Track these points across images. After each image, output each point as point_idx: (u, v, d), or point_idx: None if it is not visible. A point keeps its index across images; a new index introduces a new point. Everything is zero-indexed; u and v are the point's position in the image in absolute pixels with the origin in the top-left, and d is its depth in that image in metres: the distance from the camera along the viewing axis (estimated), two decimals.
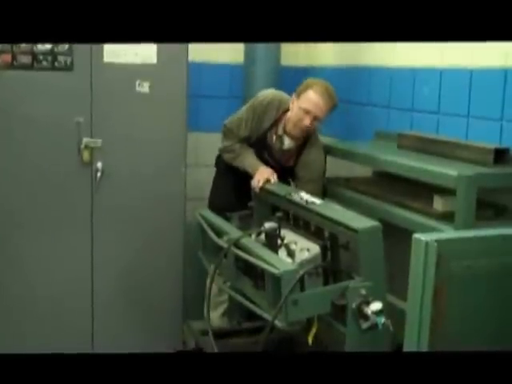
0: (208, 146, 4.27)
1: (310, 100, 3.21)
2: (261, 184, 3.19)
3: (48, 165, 3.50)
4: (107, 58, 3.48)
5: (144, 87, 3.57)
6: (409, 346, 1.93)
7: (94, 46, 3.44)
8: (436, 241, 1.82)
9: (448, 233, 2.37)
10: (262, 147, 3.42)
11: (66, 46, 3.42)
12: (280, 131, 3.36)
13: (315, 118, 3.23)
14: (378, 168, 3.29)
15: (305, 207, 2.79)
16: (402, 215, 2.76)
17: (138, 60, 3.53)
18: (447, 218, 2.55)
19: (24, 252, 3.54)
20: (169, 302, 3.70)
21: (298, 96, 3.25)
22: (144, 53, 3.54)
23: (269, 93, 3.44)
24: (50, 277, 3.59)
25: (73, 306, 3.64)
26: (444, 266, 1.85)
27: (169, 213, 3.67)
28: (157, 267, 3.70)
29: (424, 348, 1.87)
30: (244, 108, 3.44)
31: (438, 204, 2.67)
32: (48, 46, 3.41)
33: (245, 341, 2.98)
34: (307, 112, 3.21)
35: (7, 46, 3.35)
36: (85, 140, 3.50)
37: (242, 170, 3.40)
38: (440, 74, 3.17)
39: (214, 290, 3.57)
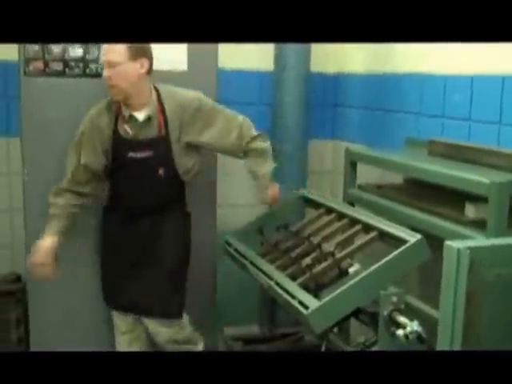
0: None
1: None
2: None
3: None
4: None
5: None
6: None
7: None
8: (468, 248, 1.84)
9: (480, 240, 2.39)
10: (123, 150, 3.11)
11: (97, 53, 3.48)
12: (124, 113, 3.10)
13: (110, 65, 2.98)
14: (409, 175, 3.31)
15: None
16: (434, 222, 2.78)
17: (168, 67, 3.58)
18: (479, 225, 2.56)
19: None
20: (201, 308, 3.73)
21: None
22: (174, 60, 3.59)
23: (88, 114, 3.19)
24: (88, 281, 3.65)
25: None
26: (476, 274, 1.87)
27: (200, 219, 3.69)
28: (189, 272, 3.73)
29: None
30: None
31: (470, 211, 2.68)
32: (79, 53, 3.46)
33: (275, 346, 3.02)
34: (104, 63, 3.02)
35: (39, 54, 3.41)
36: None
37: None
38: (471, 81, 3.19)
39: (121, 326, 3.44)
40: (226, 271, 3.71)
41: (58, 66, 3.46)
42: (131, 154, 3.07)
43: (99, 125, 3.08)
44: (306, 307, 2.50)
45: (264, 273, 2.91)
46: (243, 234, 3.38)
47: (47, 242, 3.09)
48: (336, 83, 4.42)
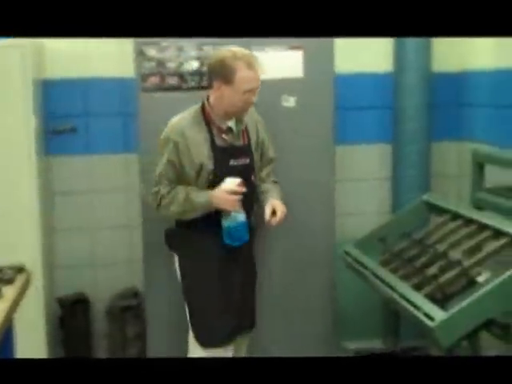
0: (357, 159, 4.29)
1: (246, 79, 2.98)
2: (235, 198, 3.02)
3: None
4: None
5: (290, 102, 3.62)
6: None
7: None
8: None
9: None
10: (224, 159, 3.11)
11: None
12: (221, 125, 3.13)
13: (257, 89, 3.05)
14: None
15: None
16: None
17: (283, 74, 3.59)
18: None
19: None
20: (320, 321, 3.70)
21: (228, 81, 2.99)
22: (289, 67, 3.59)
23: (172, 125, 3.14)
24: None
25: None
26: None
27: (317, 229, 3.68)
28: (307, 284, 3.71)
29: None
30: (160, 152, 3.14)
31: None
32: (195, 66, 3.53)
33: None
34: (251, 91, 3.01)
35: (155, 69, 3.50)
36: None
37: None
38: None
39: None
40: (346, 283, 3.66)
41: (173, 80, 3.53)
42: (233, 162, 3.12)
43: (195, 138, 3.08)
44: (432, 319, 2.43)
45: (386, 283, 2.85)
46: (363, 243, 3.32)
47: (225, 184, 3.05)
48: (460, 82, 4.27)
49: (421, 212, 3.42)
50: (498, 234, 2.80)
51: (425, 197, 3.45)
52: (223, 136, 3.12)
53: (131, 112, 3.74)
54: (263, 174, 3.35)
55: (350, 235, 3.72)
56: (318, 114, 3.64)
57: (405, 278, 2.86)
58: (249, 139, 3.22)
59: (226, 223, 3.06)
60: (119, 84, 4.03)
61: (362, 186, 4.32)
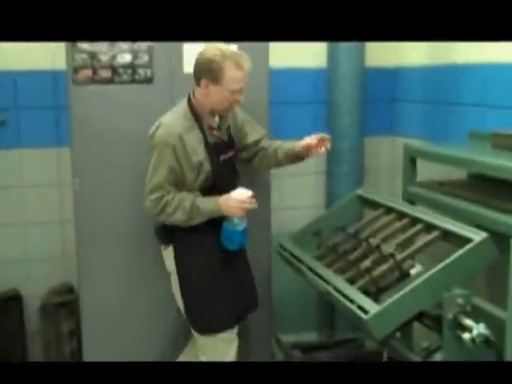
0: None
1: (234, 79, 3.04)
2: (246, 207, 3.12)
3: (129, 179, 3.56)
4: (187, 69, 3.53)
5: None
6: (510, 356, 1.89)
7: (174, 57, 3.50)
8: None
9: None
10: (217, 155, 3.18)
11: (146, 59, 3.49)
12: (211, 123, 3.19)
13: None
14: (473, 170, 3.23)
15: None
16: (500, 219, 2.68)
17: None
18: None
19: None
20: (258, 316, 3.71)
21: (217, 81, 3.03)
22: None
23: (167, 127, 3.10)
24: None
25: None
26: None
27: (253, 222, 3.67)
28: None
29: None
30: (158, 157, 3.10)
31: None
32: (128, 60, 3.48)
33: (334, 354, 2.98)
34: (238, 90, 3.09)
35: (87, 61, 3.44)
36: None
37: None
38: None
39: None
40: (283, 276, 3.67)
41: (106, 73, 3.48)
42: (223, 157, 3.20)
43: (191, 139, 3.10)
44: (366, 312, 2.46)
45: (321, 277, 2.88)
46: (298, 237, 3.34)
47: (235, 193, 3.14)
48: (393, 77, 4.35)
49: (354, 206, 3.47)
50: (429, 227, 2.86)
51: (358, 191, 3.49)
52: (214, 133, 3.18)
53: (63, 105, 3.67)
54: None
55: (286, 229, 3.73)
56: (252, 108, 3.62)
57: (339, 271, 2.89)
58: (229, 131, 3.29)
59: (229, 228, 3.15)
60: (51, 76, 3.97)
61: (297, 181, 4.35)
